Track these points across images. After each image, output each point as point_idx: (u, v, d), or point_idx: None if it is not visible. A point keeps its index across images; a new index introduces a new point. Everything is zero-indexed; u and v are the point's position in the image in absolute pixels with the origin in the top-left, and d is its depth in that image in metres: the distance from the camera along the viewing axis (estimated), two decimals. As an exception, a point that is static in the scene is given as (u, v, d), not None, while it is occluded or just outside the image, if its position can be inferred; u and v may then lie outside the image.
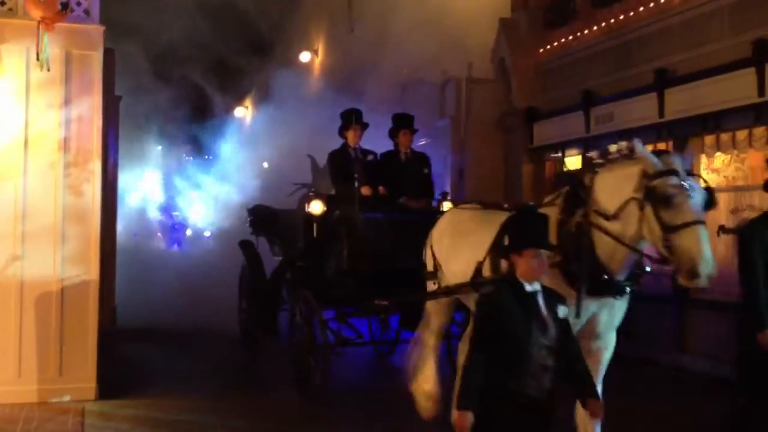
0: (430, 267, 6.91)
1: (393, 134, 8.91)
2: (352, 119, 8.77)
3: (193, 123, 32.92)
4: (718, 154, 10.40)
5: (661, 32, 10.91)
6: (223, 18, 25.86)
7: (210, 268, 16.89)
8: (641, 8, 11.12)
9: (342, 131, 8.90)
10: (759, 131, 9.47)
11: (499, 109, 14.75)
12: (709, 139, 10.30)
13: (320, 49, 24.06)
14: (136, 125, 24.34)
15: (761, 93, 9.11)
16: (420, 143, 13.28)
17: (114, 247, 12.28)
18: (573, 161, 13.59)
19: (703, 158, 10.56)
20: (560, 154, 13.66)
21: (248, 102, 32.60)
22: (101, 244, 8.03)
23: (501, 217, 5.96)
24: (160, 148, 35.10)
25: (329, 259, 8.20)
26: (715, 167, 10.69)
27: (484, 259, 5.86)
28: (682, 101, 10.43)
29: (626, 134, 11.54)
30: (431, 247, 6.88)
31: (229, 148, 27.72)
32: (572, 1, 13.18)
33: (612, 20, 11.85)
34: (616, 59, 11.86)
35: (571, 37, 13.00)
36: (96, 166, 7.81)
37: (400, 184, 8.64)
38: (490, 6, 15.01)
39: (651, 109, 10.89)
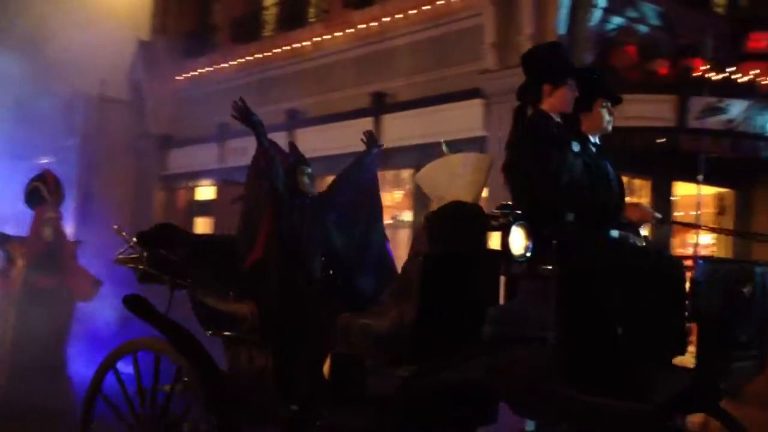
0: None
1: None
2: None
3: None
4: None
5: (294, 75, 11.47)
6: None
7: None
8: (277, 50, 11.59)
9: None
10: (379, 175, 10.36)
11: (133, 132, 14.32)
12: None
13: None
14: None
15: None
16: (43, 162, 12.37)
17: None
18: (206, 191, 13.65)
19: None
20: (193, 184, 13.64)
21: None
22: None
23: None
24: None
25: None
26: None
27: None
28: (309, 141, 11.03)
29: (258, 169, 11.93)
30: None
31: None
32: (213, 33, 13.33)
33: (250, 57, 12.18)
34: (252, 95, 12.09)
35: (210, 69, 13.10)
36: None
37: None
38: (130, 25, 14.55)
39: (283, 147, 11.33)
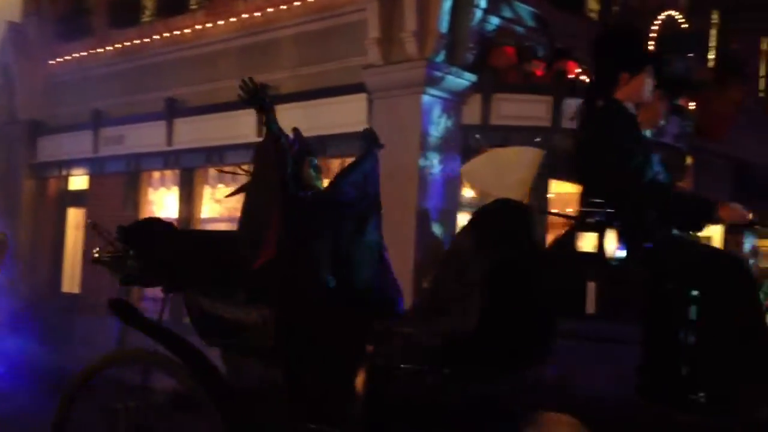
0: None
1: None
2: None
3: None
4: (220, 186, 10.97)
5: (175, 63, 11.17)
6: None
7: None
8: (156, 36, 11.26)
9: None
10: (258, 168, 10.23)
11: (0, 118, 13.60)
12: (213, 171, 10.82)
13: None
14: None
15: (260, 133, 9.86)
16: None
17: None
18: (79, 181, 13.13)
19: (207, 189, 11.05)
20: (66, 173, 13.09)
21: None
22: None
23: None
24: None
25: None
26: (218, 198, 11.27)
27: None
28: (190, 132, 10.80)
29: (134, 158, 11.58)
30: None
31: None
32: (88, 17, 12.81)
33: (127, 43, 11.78)
34: (130, 82, 11.79)
35: (85, 53, 12.58)
36: None
37: None
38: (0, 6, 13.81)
39: (160, 136, 11.06)
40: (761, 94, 13.79)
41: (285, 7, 9.59)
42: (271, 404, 3.51)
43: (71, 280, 12.92)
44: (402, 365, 3.20)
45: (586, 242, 3.09)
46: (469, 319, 3.03)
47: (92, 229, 4.01)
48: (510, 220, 3.23)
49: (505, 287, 3.06)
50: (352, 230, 3.84)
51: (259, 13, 9.88)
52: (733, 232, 5.97)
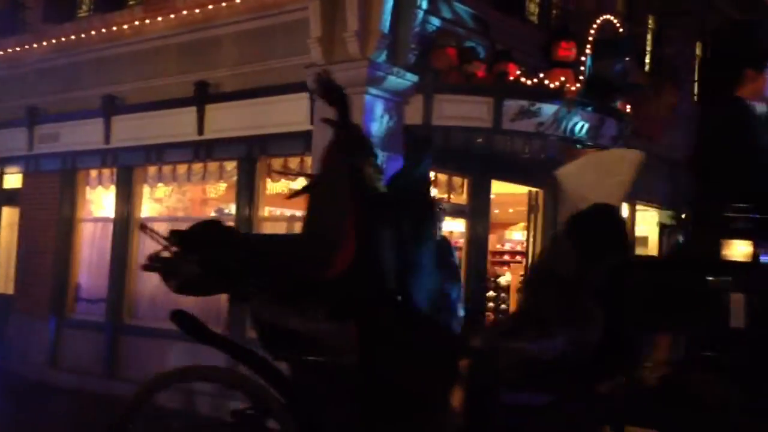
0: None
1: None
2: None
3: None
4: (160, 185, 10.82)
5: (112, 59, 10.96)
6: None
7: None
8: (93, 32, 11.03)
9: None
10: (197, 167, 10.13)
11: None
12: (152, 170, 10.66)
13: None
14: None
15: (200, 132, 9.77)
16: None
17: None
18: (13, 179, 12.79)
19: (146, 188, 10.88)
20: (-1, 171, 12.76)
21: None
22: None
23: None
24: None
25: None
26: (158, 197, 11.11)
27: None
28: (128, 130, 10.61)
29: (71, 156, 11.33)
30: None
31: None
32: (22, 11, 12.49)
33: (63, 38, 11.50)
34: (66, 79, 11.54)
35: (18, 49, 12.25)
36: None
37: None
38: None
39: (98, 134, 10.84)
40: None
41: (225, 4, 9.50)
42: (350, 424, 3.33)
43: (5, 280, 12.58)
44: (513, 383, 2.98)
45: (734, 250, 2.83)
46: (593, 331, 2.85)
47: (143, 231, 3.76)
48: (612, 226, 3.09)
49: (618, 296, 2.89)
50: (411, 234, 3.62)
51: (198, 10, 9.76)
52: None
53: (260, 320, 3.42)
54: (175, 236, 3.49)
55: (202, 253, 3.44)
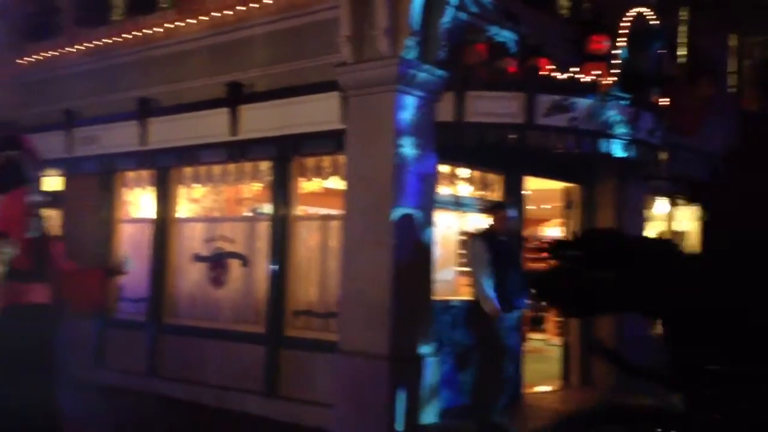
0: None
1: None
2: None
3: None
4: (196, 185, 10.93)
5: (145, 62, 11.08)
6: None
7: None
8: (127, 35, 11.16)
9: None
10: (231, 167, 10.21)
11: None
12: (188, 171, 10.78)
13: None
14: None
15: (234, 133, 9.84)
16: None
17: None
18: (53, 181, 12.97)
19: (182, 189, 11.00)
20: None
21: None
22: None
23: None
24: None
25: None
26: (195, 198, 11.23)
27: None
28: (164, 132, 10.73)
29: (108, 158, 11.49)
30: None
31: None
32: (56, 15, 12.67)
33: (98, 42, 11.66)
34: (101, 82, 11.69)
35: (53, 53, 12.45)
36: None
37: None
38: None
39: (134, 136, 10.98)
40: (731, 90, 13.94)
41: (256, 5, 9.56)
42: None
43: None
44: None
45: None
46: None
47: (536, 242, 3.19)
48: None
49: None
50: None
51: (230, 12, 9.83)
52: None
53: (683, 350, 2.93)
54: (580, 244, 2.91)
55: (619, 266, 2.96)
